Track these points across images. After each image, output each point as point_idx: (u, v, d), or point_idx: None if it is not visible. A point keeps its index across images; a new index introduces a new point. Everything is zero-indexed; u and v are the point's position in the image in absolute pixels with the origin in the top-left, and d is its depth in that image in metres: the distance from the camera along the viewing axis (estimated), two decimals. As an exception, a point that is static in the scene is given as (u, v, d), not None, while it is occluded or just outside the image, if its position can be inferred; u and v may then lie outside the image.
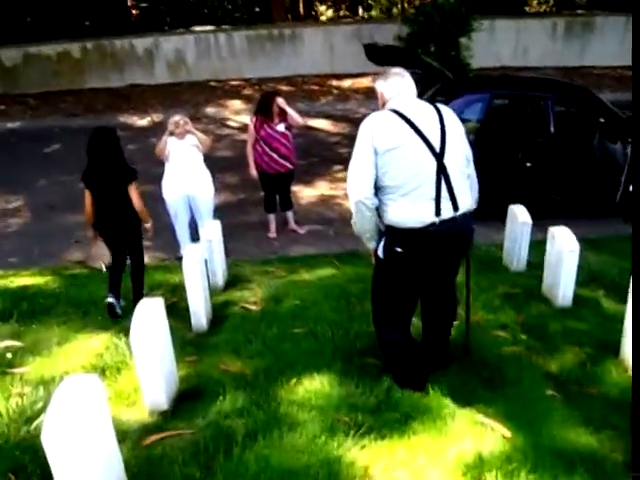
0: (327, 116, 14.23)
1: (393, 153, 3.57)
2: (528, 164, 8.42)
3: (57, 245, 8.61)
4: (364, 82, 15.97)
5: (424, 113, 3.71)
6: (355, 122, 13.38)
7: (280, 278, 6.53)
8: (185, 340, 5.02)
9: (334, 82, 16.72)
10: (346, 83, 16.57)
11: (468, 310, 4.36)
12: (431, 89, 9.56)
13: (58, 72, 16.73)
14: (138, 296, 5.75)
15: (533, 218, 6.57)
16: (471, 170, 3.92)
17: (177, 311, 5.53)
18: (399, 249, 3.69)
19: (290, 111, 7.86)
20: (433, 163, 3.60)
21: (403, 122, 3.62)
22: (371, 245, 3.91)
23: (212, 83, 16.87)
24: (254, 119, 8.17)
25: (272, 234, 8.61)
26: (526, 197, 7.81)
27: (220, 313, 5.61)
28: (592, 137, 8.64)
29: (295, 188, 9.21)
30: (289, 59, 17.29)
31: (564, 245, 5.57)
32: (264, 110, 8.03)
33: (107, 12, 20.32)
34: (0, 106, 15.94)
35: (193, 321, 5.25)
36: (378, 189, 3.66)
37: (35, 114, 15.29)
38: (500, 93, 8.95)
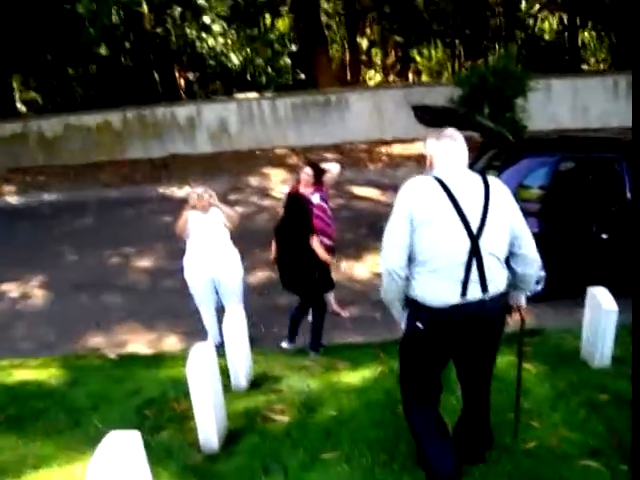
0: (376, 185, 13.40)
1: (427, 226, 3.40)
2: (604, 236, 7.32)
3: (76, 329, 8.00)
4: (415, 148, 15.13)
5: (469, 186, 3.49)
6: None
7: (315, 377, 5.52)
8: (188, 465, 4.07)
9: (383, 149, 15.96)
10: (396, 149, 15.79)
11: (517, 410, 4.18)
12: (487, 153, 8.65)
13: (98, 142, 16.45)
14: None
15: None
16: (528, 250, 3.59)
17: (187, 422, 4.60)
18: (420, 326, 3.55)
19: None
20: (467, 244, 3.39)
21: (443, 193, 3.42)
22: (400, 314, 3.73)
23: (255, 152, 16.31)
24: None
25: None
26: (602, 274, 6.82)
27: (238, 425, 4.61)
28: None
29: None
30: (335, 125, 16.67)
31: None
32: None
33: (155, 82, 20.23)
34: (39, 177, 15.65)
35: (201, 439, 4.27)
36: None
37: (73, 186, 14.88)
38: (567, 156, 7.86)
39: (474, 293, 3.43)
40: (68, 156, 16.29)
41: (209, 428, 4.21)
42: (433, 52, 23.84)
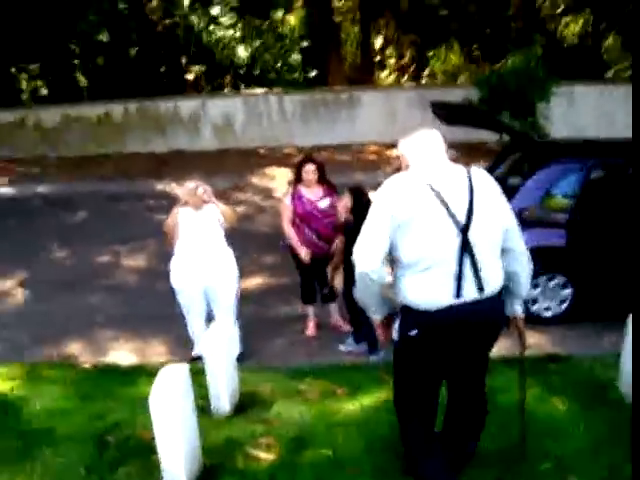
0: None
1: (410, 224, 3.20)
2: (641, 252, 6.54)
3: (54, 332, 7.24)
4: None
5: (451, 177, 3.33)
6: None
7: (310, 404, 4.78)
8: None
9: (394, 151, 14.97)
10: None
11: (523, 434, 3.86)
12: (509, 157, 7.90)
13: (98, 135, 15.87)
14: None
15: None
16: (515, 243, 3.43)
17: (153, 456, 3.85)
18: (413, 333, 3.34)
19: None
20: (456, 238, 3.21)
21: (425, 187, 3.24)
22: (377, 317, 3.55)
23: (261, 150, 15.71)
24: (290, 189, 6.70)
25: (310, 331, 6.97)
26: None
27: (214, 460, 3.89)
28: None
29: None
30: (345, 125, 16.02)
31: None
32: (298, 178, 6.60)
33: (161, 75, 19.71)
34: (34, 169, 15.00)
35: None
36: (393, 262, 3.38)
37: (68, 178, 14.17)
38: (600, 161, 7.03)
39: (469, 292, 3.25)
40: (66, 148, 15.69)
41: (176, 468, 3.48)
42: (450, 54, 23.10)
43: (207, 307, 6.20)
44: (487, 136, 9.87)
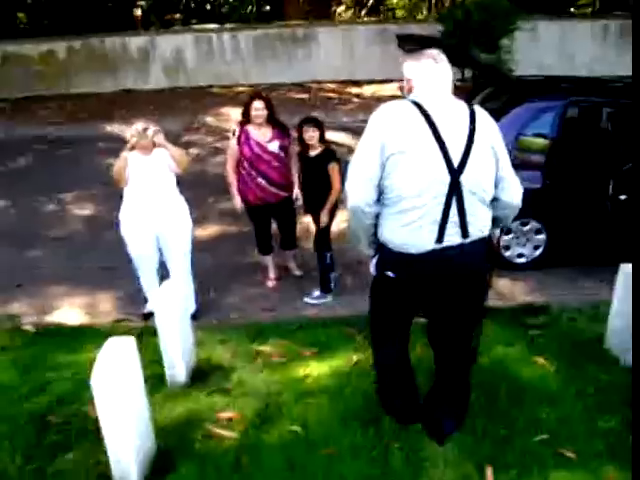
0: (346, 129, 11.94)
1: (400, 157, 2.98)
2: (622, 197, 6.19)
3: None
4: (389, 90, 14.02)
5: (452, 113, 3.08)
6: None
7: (274, 368, 4.36)
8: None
9: (354, 90, 14.75)
10: (368, 91, 14.58)
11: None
12: (480, 94, 7.44)
13: (40, 74, 14.90)
14: None
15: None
16: (509, 195, 3.23)
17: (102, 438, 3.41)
18: (390, 274, 3.24)
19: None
20: (446, 179, 3.00)
21: (422, 119, 3.01)
22: (370, 252, 3.39)
23: (214, 89, 15.06)
24: (237, 130, 6.11)
25: (270, 283, 6.54)
26: (620, 241, 5.85)
27: (170, 442, 3.45)
28: None
29: (305, 220, 6.98)
30: (302, 63, 15.43)
31: None
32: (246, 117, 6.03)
33: (108, 10, 18.71)
34: (-30, 112, 14.06)
35: (114, 470, 3.09)
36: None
37: (8, 122, 13.24)
38: (579, 100, 6.56)
39: (452, 238, 3.06)
40: (6, 89, 14.66)
41: (124, 455, 3.04)
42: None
43: (160, 258, 5.74)
44: (456, 73, 9.48)
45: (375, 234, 3.25)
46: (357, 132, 11.23)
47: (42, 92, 14.78)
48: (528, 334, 4.91)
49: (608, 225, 6.28)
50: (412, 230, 3.06)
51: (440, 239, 3.06)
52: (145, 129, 5.38)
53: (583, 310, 5.33)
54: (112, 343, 3.16)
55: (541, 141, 6.45)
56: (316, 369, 4.35)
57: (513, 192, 3.23)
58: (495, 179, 3.16)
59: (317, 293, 6.18)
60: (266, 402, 3.88)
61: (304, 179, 6.06)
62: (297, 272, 6.69)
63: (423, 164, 2.99)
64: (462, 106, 3.15)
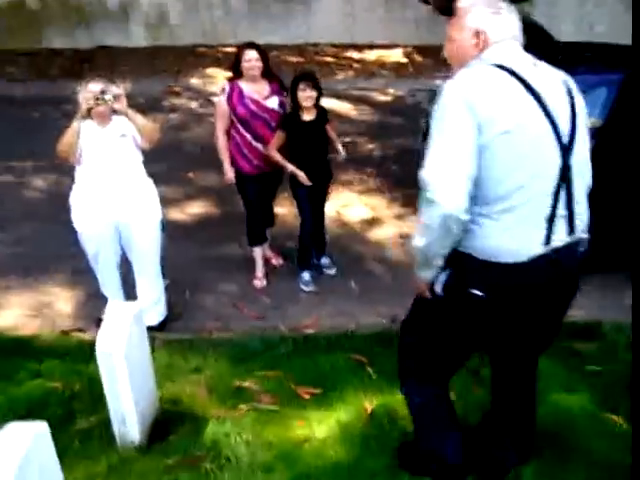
0: (345, 97, 11.37)
1: (505, 139, 2.32)
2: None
3: None
4: (392, 55, 13.55)
5: (548, 79, 2.49)
6: (381, 107, 9.99)
7: (262, 422, 3.30)
8: None
9: (354, 54, 14.16)
10: (370, 56, 13.96)
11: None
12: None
13: (9, 27, 14.27)
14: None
15: None
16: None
17: None
18: (477, 292, 2.47)
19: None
20: (557, 162, 2.43)
21: (522, 89, 2.38)
22: (429, 275, 2.59)
23: (200, 49, 14.40)
24: (227, 87, 5.29)
25: (259, 282, 5.59)
26: None
27: None
28: None
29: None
30: (298, 23, 14.78)
31: None
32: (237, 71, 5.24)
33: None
34: None
35: None
36: None
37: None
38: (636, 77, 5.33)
39: (560, 236, 2.51)
40: (-30, 41, 13.99)
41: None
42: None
43: (121, 252, 4.80)
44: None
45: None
46: (357, 100, 10.47)
47: (10, 46, 14.12)
48: (585, 370, 3.94)
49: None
50: (517, 232, 2.48)
51: (548, 240, 2.51)
52: (103, 92, 4.29)
53: (622, 327, 4.32)
54: (10, 432, 2.05)
55: (593, 120, 5.33)
56: (318, 426, 3.30)
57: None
58: None
59: (306, 277, 5.58)
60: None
61: (296, 149, 5.26)
62: (275, 261, 5.98)
63: (533, 145, 2.42)
64: (553, 71, 2.60)
